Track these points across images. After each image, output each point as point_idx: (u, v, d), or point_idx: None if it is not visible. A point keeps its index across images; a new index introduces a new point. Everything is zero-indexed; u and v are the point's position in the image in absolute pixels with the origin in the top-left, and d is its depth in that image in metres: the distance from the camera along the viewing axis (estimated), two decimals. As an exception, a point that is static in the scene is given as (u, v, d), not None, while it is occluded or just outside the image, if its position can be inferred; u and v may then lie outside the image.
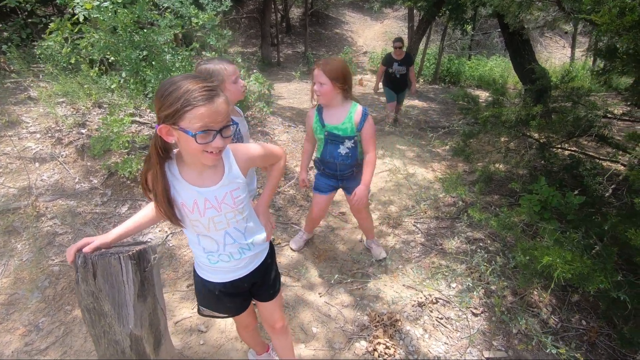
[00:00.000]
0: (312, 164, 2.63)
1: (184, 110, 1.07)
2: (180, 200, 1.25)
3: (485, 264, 2.65)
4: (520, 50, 5.32)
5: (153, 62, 3.04)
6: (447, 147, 5.04)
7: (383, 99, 8.79)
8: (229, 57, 4.17)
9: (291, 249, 2.91)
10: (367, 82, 11.41)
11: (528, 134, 3.05)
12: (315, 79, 2.18)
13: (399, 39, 5.67)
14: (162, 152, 1.19)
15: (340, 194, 2.84)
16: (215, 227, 1.34)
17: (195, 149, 1.12)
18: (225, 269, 1.45)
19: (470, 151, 3.06)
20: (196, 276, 1.51)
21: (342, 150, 2.33)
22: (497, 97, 2.96)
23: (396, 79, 5.80)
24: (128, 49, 2.94)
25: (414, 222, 3.31)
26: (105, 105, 3.62)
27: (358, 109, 2.28)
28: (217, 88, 1.17)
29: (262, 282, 1.59)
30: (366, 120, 2.28)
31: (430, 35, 11.77)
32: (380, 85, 6.36)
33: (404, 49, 5.93)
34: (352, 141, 2.31)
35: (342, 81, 2.20)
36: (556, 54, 14.74)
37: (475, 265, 2.71)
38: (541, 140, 2.98)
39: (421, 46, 10.26)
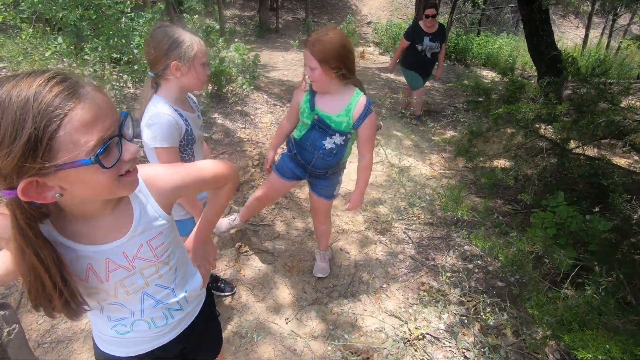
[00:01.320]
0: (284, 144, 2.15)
1: (50, 136, 0.60)
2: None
3: (483, 292, 2.22)
4: (538, 29, 4.65)
5: (101, 26, 2.45)
6: (448, 137, 4.50)
7: (385, 75, 8.10)
8: (199, 30, 3.54)
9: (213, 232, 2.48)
10: (369, 55, 10.62)
11: (546, 135, 2.52)
12: (305, 62, 1.65)
13: (433, 5, 4.34)
14: (32, 222, 0.70)
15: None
16: (126, 291, 0.88)
17: (107, 182, 0.69)
18: (141, 338, 0.99)
19: (475, 152, 2.54)
20: (96, 349, 1.04)
21: (328, 143, 1.81)
22: (513, 91, 2.40)
23: (426, 60, 4.49)
24: (69, 8, 2.33)
25: (405, 228, 2.84)
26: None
27: (360, 100, 1.74)
28: (71, 76, 0.66)
29: (196, 347, 1.14)
30: (367, 117, 1.75)
31: (439, 8, 10.85)
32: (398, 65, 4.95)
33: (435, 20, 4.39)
34: (344, 138, 1.79)
35: (338, 63, 1.66)
36: (568, 34, 13.79)
37: (472, 289, 2.27)
38: (560, 143, 2.46)
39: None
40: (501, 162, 3.29)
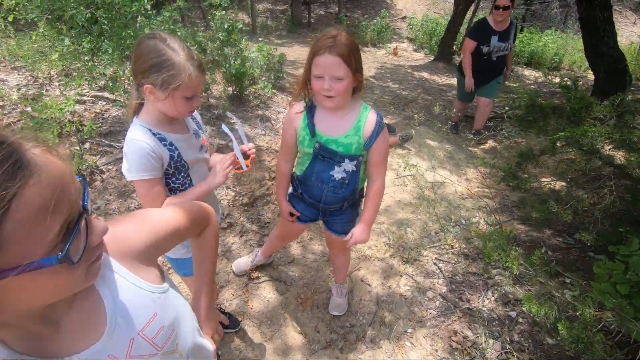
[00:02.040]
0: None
1: None
2: None
3: (528, 350, 1.84)
4: (599, 29, 4.05)
5: (113, 26, 2.22)
6: (487, 147, 4.04)
7: (419, 74, 7.58)
8: (235, 24, 3.26)
9: (233, 272, 2.20)
10: (402, 52, 10.08)
11: (616, 162, 2.07)
12: (325, 71, 1.30)
13: None
14: None
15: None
16: None
17: (74, 279, 0.53)
18: None
19: (526, 179, 2.13)
20: None
21: (338, 173, 1.49)
22: (577, 109, 1.97)
23: (490, 63, 3.63)
24: (78, 7, 2.12)
25: (436, 258, 2.48)
26: (75, 73, 2.87)
27: (370, 116, 1.43)
28: (6, 138, 0.45)
29: None
30: (380, 135, 1.43)
31: (480, 2, 10.08)
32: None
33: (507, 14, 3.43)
34: (355, 162, 1.47)
35: (361, 70, 1.37)
36: (623, 32, 12.52)
37: (515, 345, 1.90)
38: (635, 175, 2.00)
39: (468, 14, 8.73)
40: (553, 184, 2.83)
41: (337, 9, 12.40)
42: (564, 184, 2.49)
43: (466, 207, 3.00)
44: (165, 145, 1.21)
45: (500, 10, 3.44)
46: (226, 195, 2.57)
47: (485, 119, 4.05)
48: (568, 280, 2.21)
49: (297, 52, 8.83)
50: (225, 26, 3.17)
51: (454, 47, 9.00)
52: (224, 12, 3.33)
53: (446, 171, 3.51)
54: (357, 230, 1.54)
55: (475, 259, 2.46)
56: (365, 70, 8.01)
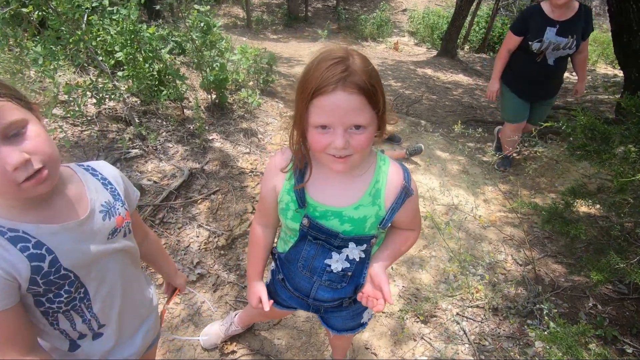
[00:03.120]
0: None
1: None
2: None
3: None
4: (632, 24, 3.46)
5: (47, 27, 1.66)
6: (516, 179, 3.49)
7: (422, 70, 6.97)
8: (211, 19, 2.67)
9: (201, 346, 1.67)
10: (403, 46, 9.46)
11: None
12: (336, 119, 0.77)
13: None
14: None
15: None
16: None
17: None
18: None
19: (581, 227, 1.58)
20: None
21: (337, 263, 0.96)
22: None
23: (546, 69, 2.62)
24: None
25: (457, 314, 1.96)
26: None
27: (393, 173, 0.92)
28: None
29: None
30: (409, 200, 0.92)
31: (484, -7, 9.43)
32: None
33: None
34: (365, 247, 0.94)
35: (385, 102, 0.84)
36: None
37: None
38: None
39: (471, 8, 8.09)
40: (604, 218, 2.29)
41: (335, 2, 11.72)
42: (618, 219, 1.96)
43: (488, 239, 2.47)
44: (25, 249, 0.67)
45: None
46: (197, 237, 2.04)
47: (512, 145, 3.02)
48: (630, 350, 1.69)
49: (293, 48, 8.22)
50: (201, 24, 2.59)
51: (458, 41, 8.39)
52: (207, 7, 2.75)
53: (461, 190, 2.97)
54: (376, 274, 0.95)
55: (507, 315, 1.94)
56: (366, 68, 7.45)
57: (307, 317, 1.89)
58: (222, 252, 2.04)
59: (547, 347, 1.25)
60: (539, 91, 2.79)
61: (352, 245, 0.93)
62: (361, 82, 0.75)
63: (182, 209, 2.13)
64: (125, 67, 2.50)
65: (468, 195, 2.92)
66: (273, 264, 1.16)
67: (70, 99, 1.90)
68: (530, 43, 2.59)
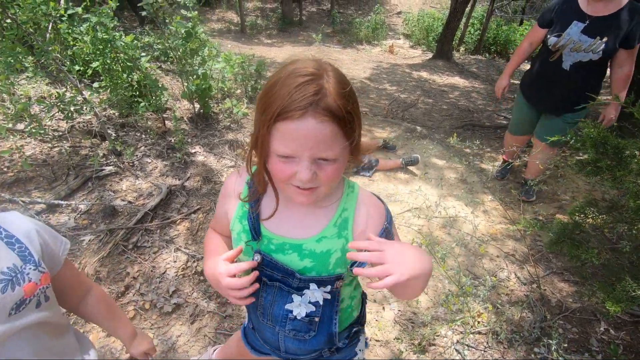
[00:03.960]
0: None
1: None
2: None
3: None
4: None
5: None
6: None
7: (418, 73, 6.81)
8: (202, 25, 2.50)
9: None
10: (398, 49, 9.31)
11: None
12: (301, 150, 0.62)
13: None
14: None
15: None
16: None
17: None
18: None
19: (592, 254, 1.41)
20: None
21: (298, 308, 0.78)
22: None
23: (557, 72, 2.17)
24: None
25: (458, 342, 1.79)
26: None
27: (366, 201, 0.78)
28: None
29: None
30: (391, 229, 0.76)
31: (478, -6, 9.30)
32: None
33: None
34: (331, 287, 0.77)
35: (360, 126, 0.69)
36: None
37: None
38: None
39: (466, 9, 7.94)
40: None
41: (329, 5, 11.58)
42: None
43: (489, 255, 2.29)
44: None
45: None
46: (174, 262, 1.87)
47: (539, 169, 2.53)
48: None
49: (287, 52, 8.07)
50: (183, 31, 2.43)
51: (454, 43, 8.25)
52: (194, 13, 2.58)
53: (459, 201, 2.80)
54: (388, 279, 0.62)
55: (511, 342, 1.77)
56: (360, 71, 7.21)
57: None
58: (201, 277, 1.86)
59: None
60: (545, 99, 2.34)
61: (313, 286, 0.76)
62: (335, 107, 0.60)
63: (158, 230, 1.95)
64: (102, 77, 2.34)
65: (466, 206, 2.75)
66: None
67: (34, 114, 1.73)
68: (548, 37, 2.14)
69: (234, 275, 0.70)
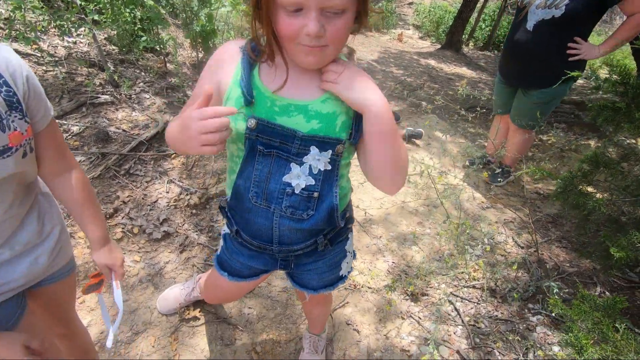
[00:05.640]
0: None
1: None
2: None
3: None
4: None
5: None
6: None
7: (425, 61, 6.79)
8: None
9: (157, 310, 1.46)
10: (407, 39, 9.24)
11: None
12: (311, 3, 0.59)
13: None
14: None
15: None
16: None
17: None
18: None
19: (600, 202, 1.37)
20: None
21: (297, 179, 0.75)
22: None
23: (522, 34, 2.04)
24: None
25: (452, 293, 1.76)
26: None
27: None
28: None
29: None
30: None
31: (492, -10, 9.24)
32: None
33: None
34: (330, 153, 0.73)
35: None
36: None
37: None
38: None
39: (478, 4, 7.88)
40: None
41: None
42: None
43: (488, 220, 2.27)
44: None
45: None
46: (167, 193, 1.82)
47: (516, 154, 2.38)
48: (642, 341, 1.50)
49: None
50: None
51: (463, 37, 8.19)
52: None
53: (461, 172, 2.77)
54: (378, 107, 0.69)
55: (505, 297, 1.74)
56: (368, 53, 7.12)
57: (284, 287, 1.68)
58: (194, 211, 1.82)
59: (570, 323, 1.04)
60: (512, 70, 2.18)
61: (314, 150, 0.72)
62: None
63: (152, 162, 1.90)
64: (104, 11, 2.26)
65: (468, 177, 2.72)
66: (224, 229, 0.94)
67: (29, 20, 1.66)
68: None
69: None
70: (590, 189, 1.52)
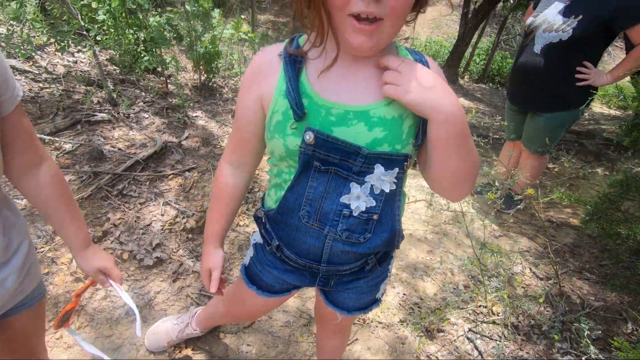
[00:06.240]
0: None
1: None
2: None
3: None
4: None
5: None
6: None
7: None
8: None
9: (146, 347, 1.28)
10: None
11: None
12: None
13: None
14: None
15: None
16: None
17: None
18: None
19: (636, 230, 1.27)
20: None
21: (357, 200, 0.64)
22: None
23: (529, 57, 1.99)
24: None
25: (470, 330, 1.61)
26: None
27: (425, 65, 0.64)
28: None
29: None
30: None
31: (485, 27, 9.60)
32: None
33: None
34: (396, 171, 0.62)
35: None
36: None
37: None
38: None
39: (473, 39, 8.16)
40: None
41: (339, 25, 11.88)
42: None
43: (502, 250, 2.15)
44: None
45: None
46: (162, 216, 1.69)
47: (529, 179, 2.17)
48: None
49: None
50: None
51: (459, 69, 8.41)
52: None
53: (470, 199, 2.68)
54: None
55: (529, 334, 1.59)
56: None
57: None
58: (189, 235, 1.69)
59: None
60: (519, 92, 2.15)
61: (379, 169, 0.62)
62: None
63: (148, 182, 1.79)
64: (106, 31, 2.24)
65: (477, 202, 2.62)
66: (257, 234, 0.83)
67: (26, 32, 1.60)
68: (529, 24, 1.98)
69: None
70: (619, 215, 1.42)
